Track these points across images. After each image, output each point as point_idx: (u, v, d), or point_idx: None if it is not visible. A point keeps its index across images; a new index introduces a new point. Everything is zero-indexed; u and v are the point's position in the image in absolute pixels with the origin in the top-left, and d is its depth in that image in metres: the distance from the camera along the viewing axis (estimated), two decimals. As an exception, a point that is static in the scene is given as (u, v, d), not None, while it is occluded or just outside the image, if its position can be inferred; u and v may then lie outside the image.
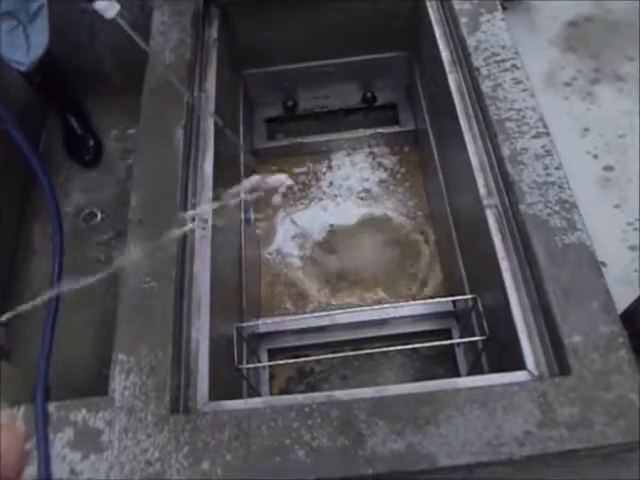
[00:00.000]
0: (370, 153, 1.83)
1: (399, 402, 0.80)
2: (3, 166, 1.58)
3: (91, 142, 1.74)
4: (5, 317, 0.70)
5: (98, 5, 0.90)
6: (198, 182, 1.14)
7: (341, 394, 0.84)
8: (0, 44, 1.40)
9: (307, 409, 0.80)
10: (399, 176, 1.75)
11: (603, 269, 0.90)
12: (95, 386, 0.90)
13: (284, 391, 1.42)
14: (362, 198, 1.74)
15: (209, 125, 1.24)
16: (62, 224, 0.89)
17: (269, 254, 1.65)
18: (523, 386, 0.81)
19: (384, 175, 1.77)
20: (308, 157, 1.83)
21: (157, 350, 0.88)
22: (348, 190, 1.76)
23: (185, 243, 1.04)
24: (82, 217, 1.68)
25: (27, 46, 1.46)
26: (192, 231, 1.07)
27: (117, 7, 0.91)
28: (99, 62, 1.83)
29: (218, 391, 0.95)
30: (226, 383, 1.05)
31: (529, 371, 0.87)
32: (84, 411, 0.83)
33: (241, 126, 1.66)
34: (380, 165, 1.79)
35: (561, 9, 1.50)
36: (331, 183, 1.78)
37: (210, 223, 1.09)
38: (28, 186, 1.73)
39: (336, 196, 1.75)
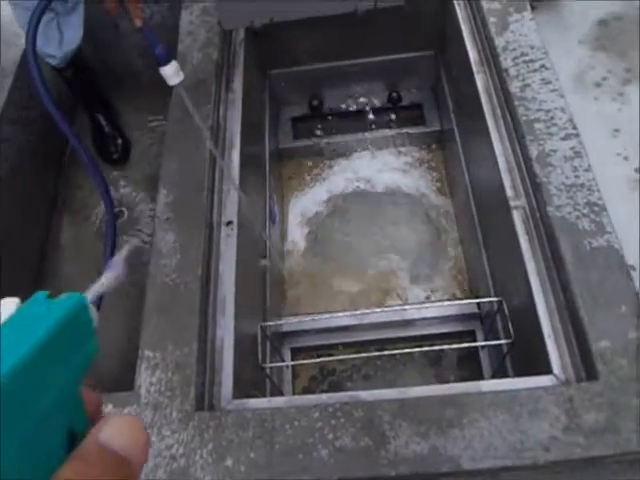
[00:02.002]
0: (395, 152, 1.83)
1: (423, 404, 0.80)
2: (34, 159, 1.61)
3: (119, 140, 1.76)
4: None
5: (165, 71, 0.91)
6: (224, 182, 1.15)
7: (365, 394, 0.85)
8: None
9: (331, 409, 0.80)
10: (425, 165, 1.77)
11: (632, 273, 0.88)
12: (121, 381, 0.92)
13: (307, 390, 1.43)
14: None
15: (236, 126, 1.25)
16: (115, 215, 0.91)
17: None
18: (549, 391, 0.80)
19: (410, 160, 1.78)
20: (333, 156, 1.83)
21: (183, 347, 0.89)
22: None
23: (211, 241, 1.05)
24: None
25: (60, 40, 1.49)
26: (218, 229, 1.09)
27: (182, 76, 0.93)
28: (127, 62, 1.85)
29: (242, 389, 0.95)
30: (250, 381, 1.06)
31: (555, 375, 0.86)
32: (110, 406, 0.85)
33: (267, 125, 1.67)
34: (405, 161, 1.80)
35: (591, 8, 1.48)
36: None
37: (236, 222, 1.10)
38: (58, 180, 1.76)
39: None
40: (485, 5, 1.25)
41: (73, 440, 0.28)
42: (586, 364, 0.84)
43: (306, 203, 1.75)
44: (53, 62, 1.53)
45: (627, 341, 0.81)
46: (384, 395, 0.84)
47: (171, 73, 0.91)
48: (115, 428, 0.28)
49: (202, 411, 0.85)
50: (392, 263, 1.58)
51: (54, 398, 0.27)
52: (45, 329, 0.27)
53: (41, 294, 0.29)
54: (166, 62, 0.91)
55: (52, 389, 0.27)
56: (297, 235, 1.68)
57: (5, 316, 0.27)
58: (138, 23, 0.90)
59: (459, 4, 1.38)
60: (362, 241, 1.64)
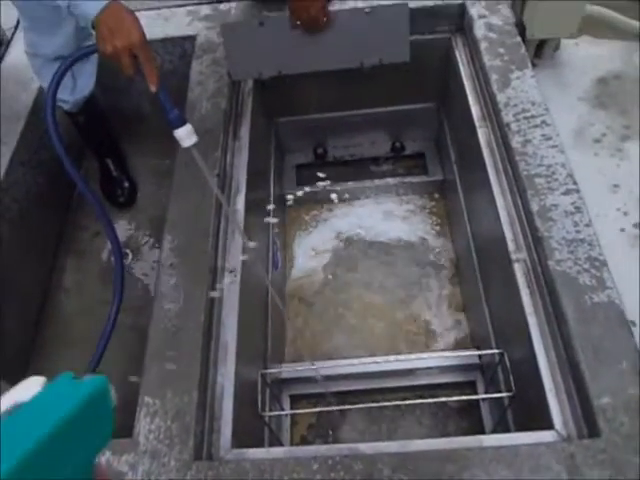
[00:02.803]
0: (398, 201, 1.85)
1: (424, 458, 0.79)
2: (42, 201, 1.63)
3: (126, 184, 1.78)
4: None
5: (178, 134, 0.92)
6: (229, 228, 1.16)
7: (365, 447, 0.84)
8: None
9: (330, 461, 0.80)
10: (427, 211, 1.80)
11: (633, 328, 0.89)
12: (119, 427, 0.91)
13: (305, 439, 1.41)
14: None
15: (242, 173, 1.27)
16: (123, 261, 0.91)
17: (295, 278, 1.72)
18: (551, 447, 0.79)
19: (411, 207, 1.82)
20: (336, 204, 1.86)
21: (183, 394, 0.89)
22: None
23: (214, 288, 1.06)
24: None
25: (73, 87, 1.53)
26: (221, 275, 1.09)
27: (194, 139, 0.94)
28: (137, 107, 1.89)
29: (241, 437, 0.95)
30: (248, 429, 1.05)
31: (557, 431, 0.85)
32: (108, 454, 0.84)
33: (272, 172, 1.69)
34: (407, 210, 1.83)
35: (591, 66, 1.52)
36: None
37: (239, 270, 1.11)
38: (65, 222, 1.78)
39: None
40: (487, 62, 1.29)
41: None
42: (588, 420, 0.83)
43: (314, 243, 1.79)
44: (65, 107, 1.57)
45: (628, 397, 0.81)
46: (384, 448, 0.83)
47: (184, 135, 0.92)
48: None
49: (200, 460, 0.84)
50: (393, 309, 1.59)
51: (69, 472, 0.28)
52: (68, 409, 0.28)
53: (67, 374, 0.31)
54: (180, 125, 0.92)
55: (68, 464, 0.28)
56: (305, 269, 1.73)
57: (30, 395, 0.28)
58: (153, 89, 0.91)
59: (462, 61, 1.42)
60: (363, 286, 1.65)
